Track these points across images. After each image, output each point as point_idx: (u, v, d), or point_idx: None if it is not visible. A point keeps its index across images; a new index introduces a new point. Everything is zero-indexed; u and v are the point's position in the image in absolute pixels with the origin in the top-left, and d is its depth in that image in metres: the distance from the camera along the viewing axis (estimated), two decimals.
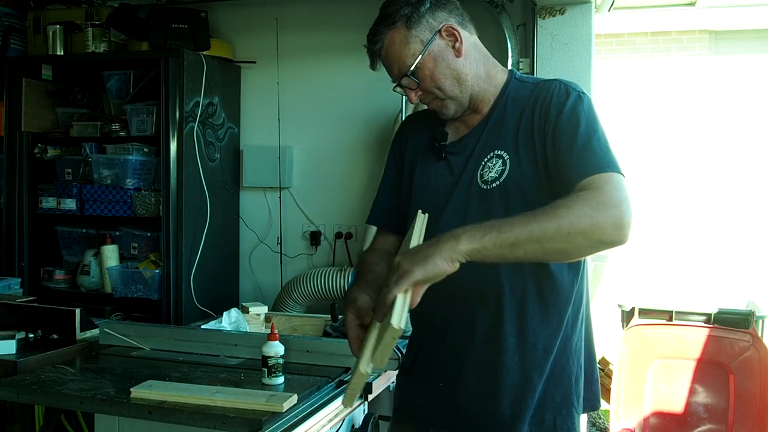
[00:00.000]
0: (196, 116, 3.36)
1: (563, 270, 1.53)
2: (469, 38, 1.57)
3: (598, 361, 4.12)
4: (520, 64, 3.21)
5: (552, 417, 1.56)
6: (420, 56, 1.51)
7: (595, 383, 1.67)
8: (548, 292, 1.53)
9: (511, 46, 3.19)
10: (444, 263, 1.27)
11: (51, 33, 3.51)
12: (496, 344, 1.53)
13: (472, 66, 1.56)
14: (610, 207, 1.32)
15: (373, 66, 1.60)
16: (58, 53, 3.52)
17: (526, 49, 3.24)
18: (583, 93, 1.52)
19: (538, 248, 1.31)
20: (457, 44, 1.53)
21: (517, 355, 1.52)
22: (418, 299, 1.30)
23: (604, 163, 1.40)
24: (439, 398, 1.61)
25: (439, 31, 1.52)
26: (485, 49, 1.62)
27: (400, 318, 1.22)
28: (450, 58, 1.53)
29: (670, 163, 5.57)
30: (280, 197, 3.64)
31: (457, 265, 1.29)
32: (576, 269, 1.56)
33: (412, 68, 1.52)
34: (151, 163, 3.47)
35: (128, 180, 3.41)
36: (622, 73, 5.79)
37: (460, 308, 1.56)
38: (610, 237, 1.31)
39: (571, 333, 1.57)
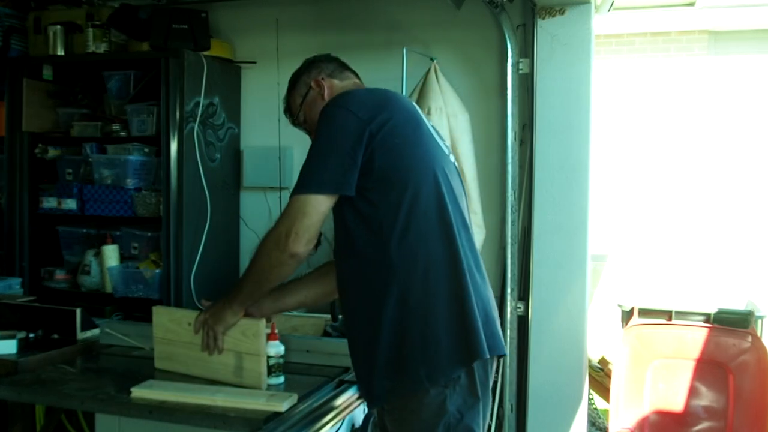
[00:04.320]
0: (197, 116, 3.36)
1: (361, 263, 1.86)
2: (336, 84, 2.04)
3: (597, 360, 4.12)
4: (520, 64, 3.21)
5: (387, 374, 1.81)
6: (301, 106, 2.06)
7: (472, 334, 1.78)
8: (358, 278, 1.88)
9: (511, 47, 3.19)
10: (233, 317, 2.03)
11: (52, 33, 3.51)
12: (345, 321, 1.97)
13: None
14: (272, 239, 1.81)
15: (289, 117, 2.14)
16: (59, 53, 3.52)
17: (526, 50, 3.24)
18: (330, 106, 1.87)
19: (263, 283, 1.92)
20: (321, 91, 2.03)
21: (353, 329, 1.92)
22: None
23: (299, 184, 1.79)
24: None
25: (311, 85, 2.04)
26: (355, 86, 2.04)
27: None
28: (319, 102, 2.00)
29: (669, 164, 5.57)
30: (280, 197, 3.63)
31: (242, 313, 2.02)
32: (368, 259, 1.84)
33: (298, 115, 2.07)
34: (152, 163, 3.47)
35: (129, 180, 3.41)
36: (621, 73, 5.79)
37: (341, 300, 2.02)
38: (279, 259, 1.80)
39: (384, 304, 1.80)
